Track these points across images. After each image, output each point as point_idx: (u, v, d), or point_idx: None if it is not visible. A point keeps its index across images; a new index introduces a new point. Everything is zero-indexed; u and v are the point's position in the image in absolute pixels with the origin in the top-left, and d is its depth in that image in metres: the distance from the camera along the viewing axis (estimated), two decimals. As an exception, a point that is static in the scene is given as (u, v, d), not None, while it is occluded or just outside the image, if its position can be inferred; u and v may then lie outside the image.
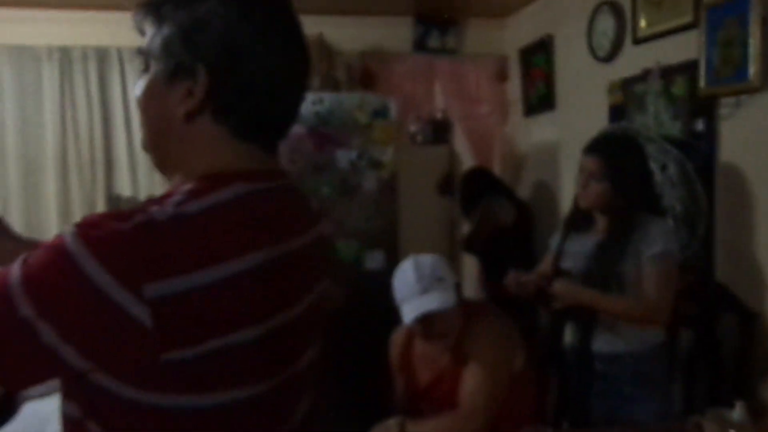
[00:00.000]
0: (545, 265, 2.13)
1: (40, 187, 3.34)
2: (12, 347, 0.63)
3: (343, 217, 2.90)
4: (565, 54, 3.18)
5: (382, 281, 1.93)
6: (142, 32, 0.77)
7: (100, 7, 3.33)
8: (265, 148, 0.79)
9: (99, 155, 3.40)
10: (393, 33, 3.69)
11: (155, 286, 0.63)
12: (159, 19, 0.74)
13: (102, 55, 3.38)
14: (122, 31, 3.34)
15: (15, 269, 0.64)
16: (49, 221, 3.31)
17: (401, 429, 1.77)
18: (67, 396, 0.73)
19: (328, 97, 2.91)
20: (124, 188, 3.44)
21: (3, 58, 3.27)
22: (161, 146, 0.78)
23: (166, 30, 0.74)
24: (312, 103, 2.86)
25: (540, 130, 3.46)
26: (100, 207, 3.41)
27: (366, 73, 3.57)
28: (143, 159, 3.45)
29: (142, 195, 3.42)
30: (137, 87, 0.78)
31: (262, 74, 0.74)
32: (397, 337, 2.03)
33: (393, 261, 2.76)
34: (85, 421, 0.71)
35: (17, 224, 3.25)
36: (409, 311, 1.78)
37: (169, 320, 0.64)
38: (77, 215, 3.37)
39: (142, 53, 0.77)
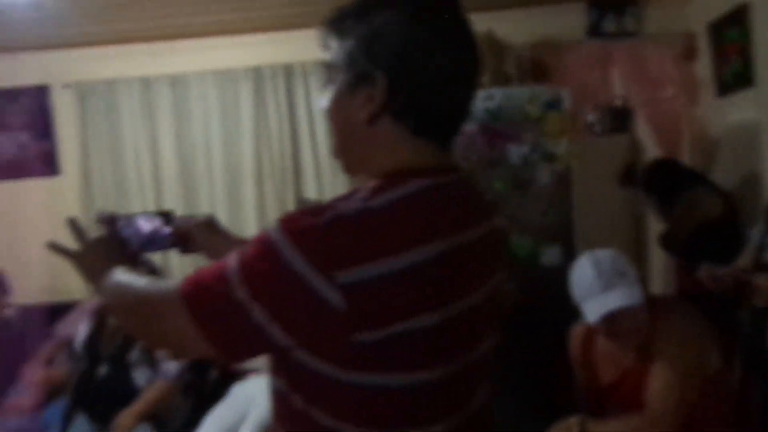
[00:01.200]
0: (745, 258, 1.94)
1: (241, 192, 3.73)
2: (230, 325, 0.74)
3: (517, 212, 2.87)
4: (764, 23, 2.85)
5: (559, 277, 1.89)
6: (327, 47, 0.86)
7: (286, 27, 3.64)
8: (441, 144, 0.84)
9: (288, 163, 3.71)
10: (564, 21, 3.56)
11: (346, 273, 0.70)
12: (341, 33, 0.82)
13: (289, 71, 3.69)
14: (305, 48, 3.65)
15: (232, 258, 0.75)
16: (248, 222, 3.69)
17: (582, 428, 1.72)
18: (276, 372, 0.83)
19: (498, 93, 2.90)
20: (311, 192, 3.73)
21: (208, 81, 3.71)
22: (348, 150, 0.86)
23: (348, 43, 0.81)
24: (482, 99, 2.87)
25: (736, 110, 3.13)
26: (290, 209, 3.73)
27: (537, 65, 3.49)
28: (327, 165, 3.71)
29: (327, 197, 3.67)
30: (325, 98, 0.86)
31: (435, 75, 0.79)
32: (577, 332, 1.97)
33: (570, 256, 2.67)
34: (290, 395, 0.80)
35: (222, 224, 3.67)
36: (593, 310, 1.71)
37: (358, 304, 0.70)
38: (271, 216, 3.72)
39: (329, 66, 0.85)
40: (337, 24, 0.83)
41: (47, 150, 3.82)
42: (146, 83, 3.72)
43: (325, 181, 3.72)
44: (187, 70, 3.72)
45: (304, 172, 3.74)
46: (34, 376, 3.03)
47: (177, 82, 3.72)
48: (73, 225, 1.08)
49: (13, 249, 3.72)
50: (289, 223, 0.73)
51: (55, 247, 1.09)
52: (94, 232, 1.05)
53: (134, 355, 2.85)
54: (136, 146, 3.74)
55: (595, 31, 3.55)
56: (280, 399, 0.84)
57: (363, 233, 0.72)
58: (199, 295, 0.76)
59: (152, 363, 2.87)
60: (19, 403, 2.93)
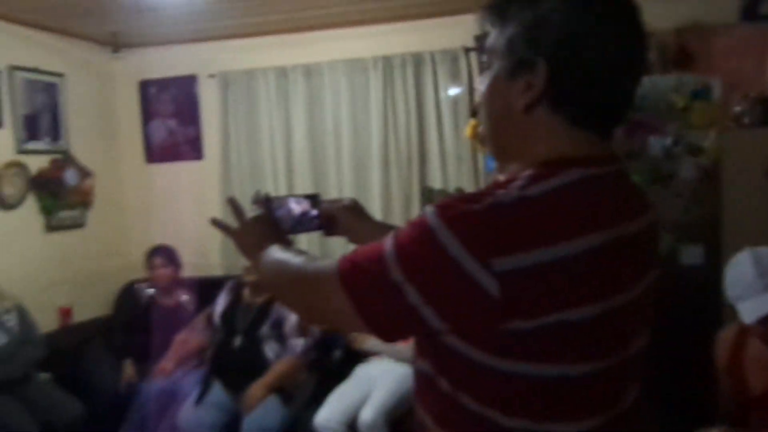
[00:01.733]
0: None
1: (367, 180, 3.83)
2: (386, 305, 0.76)
3: (656, 207, 2.71)
4: None
5: (701, 278, 1.77)
6: (485, 33, 0.85)
7: (415, 17, 3.67)
8: (601, 134, 0.81)
9: (414, 151, 3.75)
10: (714, 3, 3.29)
11: (503, 260, 0.69)
12: (503, 19, 0.81)
13: (417, 60, 3.71)
14: (434, 37, 3.66)
15: (388, 241, 0.76)
16: (373, 209, 3.75)
17: (726, 440, 1.61)
18: (422, 354, 0.84)
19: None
20: (435, 181, 3.74)
21: (340, 71, 3.82)
22: (501, 137, 0.85)
23: (510, 29, 0.80)
24: (622, 88, 2.73)
25: None
26: (415, 198, 3.76)
27: (682, 52, 3.26)
28: (452, 154, 3.70)
29: (451, 187, 3.67)
30: (480, 83, 0.86)
31: (600, 64, 0.76)
32: (726, 336, 1.83)
33: (714, 257, 2.49)
34: (436, 378, 0.81)
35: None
36: (750, 310, 1.59)
37: (513, 293, 0.70)
38: (396, 204, 3.78)
39: (486, 52, 0.85)
40: (498, 9, 0.82)
41: (194, 136, 4.12)
42: (282, 72, 3.90)
43: (450, 170, 3.72)
44: (320, 60, 3.85)
45: (429, 160, 3.76)
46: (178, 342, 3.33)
47: (310, 71, 3.87)
48: (233, 204, 1.16)
49: (167, 226, 4.07)
50: (446, 209, 0.73)
51: (218, 224, 1.18)
52: (251, 211, 1.12)
53: (265, 330, 3.02)
54: (271, 132, 3.93)
55: (750, 13, 3.26)
56: (424, 381, 0.85)
57: (520, 221, 0.71)
58: (356, 275, 0.78)
59: (281, 339, 3.04)
60: (163, 366, 3.22)
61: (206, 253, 3.77)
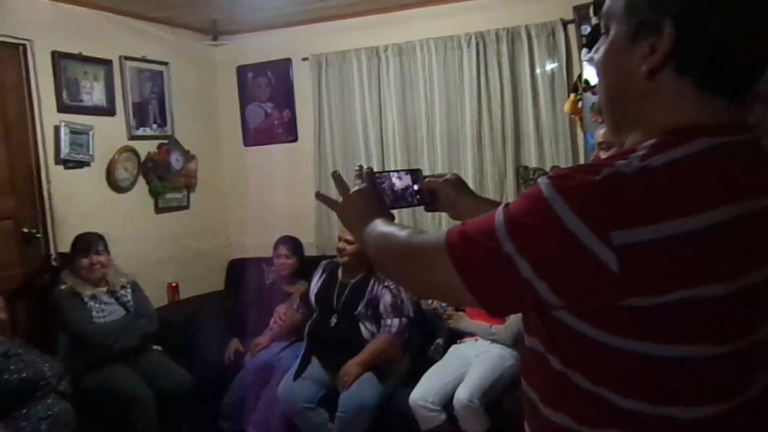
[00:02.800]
0: None
1: (460, 159, 3.78)
2: (497, 278, 0.74)
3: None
4: None
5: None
6: (586, 3, 0.81)
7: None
8: (732, 100, 0.75)
9: (509, 129, 3.65)
10: None
11: (623, 234, 0.66)
12: None
13: (512, 34, 3.60)
14: (530, 10, 3.54)
15: (499, 212, 0.74)
16: (466, 187, 3.73)
17: None
18: (531, 331, 0.82)
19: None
20: (531, 159, 3.64)
21: (432, 49, 3.78)
22: (620, 105, 0.81)
23: None
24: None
25: None
26: (510, 177, 3.68)
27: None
28: (548, 132, 3.58)
29: (548, 165, 3.56)
30: (595, 51, 0.82)
31: (732, 21, 0.70)
32: None
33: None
34: (546, 355, 0.79)
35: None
36: None
37: (634, 268, 0.66)
38: (490, 184, 3.71)
39: (603, 17, 0.80)
40: None
41: (288, 118, 4.23)
42: (374, 53, 3.91)
43: (546, 147, 3.61)
44: (412, 39, 3.82)
45: (524, 138, 3.66)
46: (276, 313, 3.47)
47: (402, 50, 3.85)
48: (337, 178, 1.17)
49: (263, 207, 4.22)
50: (562, 180, 0.70)
51: (322, 197, 1.20)
52: (355, 186, 1.12)
53: (360, 309, 3.07)
54: (364, 113, 3.96)
55: None
56: (533, 358, 0.82)
57: (642, 193, 0.67)
58: (464, 247, 0.76)
59: (376, 318, 3.08)
60: (259, 340, 3.36)
61: (300, 233, 3.87)
